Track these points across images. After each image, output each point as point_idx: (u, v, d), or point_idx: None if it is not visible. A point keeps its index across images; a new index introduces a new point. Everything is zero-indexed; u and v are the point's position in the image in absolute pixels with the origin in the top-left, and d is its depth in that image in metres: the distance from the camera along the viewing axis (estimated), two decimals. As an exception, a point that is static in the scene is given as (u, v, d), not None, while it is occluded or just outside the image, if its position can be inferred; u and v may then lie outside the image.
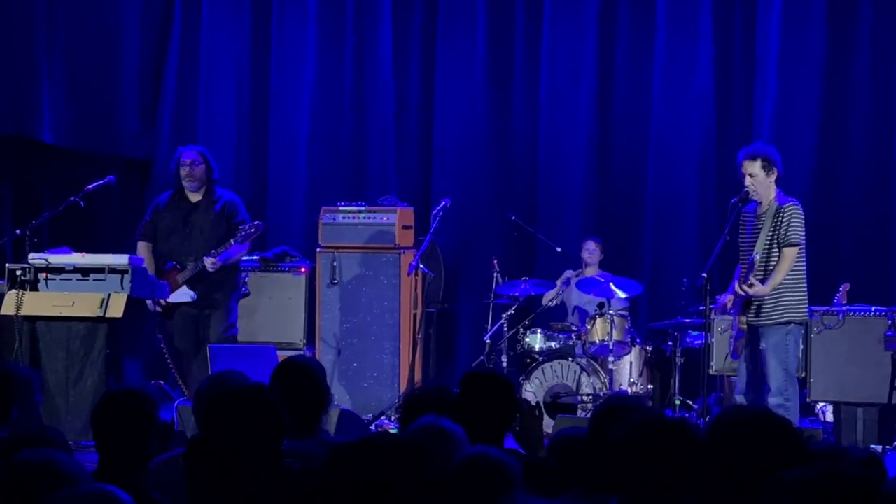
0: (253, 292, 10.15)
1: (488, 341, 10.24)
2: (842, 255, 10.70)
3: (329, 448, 2.94)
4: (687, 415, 9.51)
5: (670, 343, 10.03)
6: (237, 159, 11.88)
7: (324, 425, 4.78)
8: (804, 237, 7.99)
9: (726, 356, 8.51)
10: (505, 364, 10.15)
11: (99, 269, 8.43)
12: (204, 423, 3.71)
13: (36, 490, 2.95)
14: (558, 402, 9.78)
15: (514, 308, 10.23)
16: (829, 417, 9.53)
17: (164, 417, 7.41)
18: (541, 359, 10.00)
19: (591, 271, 10.64)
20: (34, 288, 8.45)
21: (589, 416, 8.56)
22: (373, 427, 9.37)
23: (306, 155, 11.79)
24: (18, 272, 8.47)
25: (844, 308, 9.41)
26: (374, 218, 10.43)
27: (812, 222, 9.75)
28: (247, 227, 8.98)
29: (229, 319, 9.13)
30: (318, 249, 10.56)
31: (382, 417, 9.80)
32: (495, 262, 10.55)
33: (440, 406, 4.16)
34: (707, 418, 8.07)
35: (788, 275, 7.88)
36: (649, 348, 10.19)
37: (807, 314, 8.12)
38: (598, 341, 9.93)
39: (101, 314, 8.27)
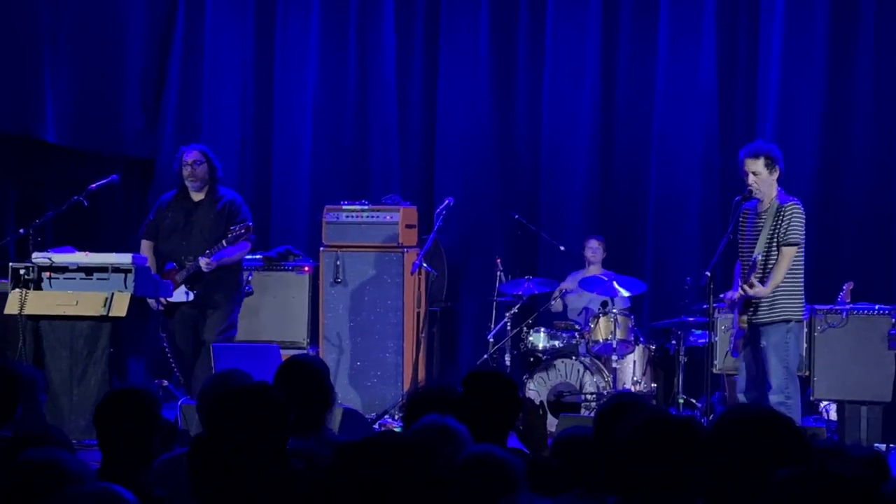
0: (256, 291, 10.15)
1: (491, 340, 10.25)
2: (845, 254, 10.69)
3: (334, 447, 2.94)
4: (691, 413, 9.51)
5: (674, 342, 10.03)
6: (241, 158, 11.88)
7: (328, 424, 4.78)
8: (804, 237, 7.98)
9: (726, 354, 8.51)
10: (508, 363, 10.15)
11: (102, 269, 8.44)
12: (208, 422, 3.71)
13: (40, 489, 2.95)
14: (562, 401, 9.78)
15: (517, 307, 10.23)
16: (833, 416, 9.53)
17: (168, 416, 7.43)
18: (544, 357, 10.00)
19: (594, 270, 10.64)
20: (38, 287, 8.46)
21: (593, 414, 8.59)
22: (376, 426, 9.37)
23: (310, 154, 11.79)
24: (22, 271, 8.47)
25: (848, 306, 9.40)
26: (378, 217, 10.43)
27: (815, 221, 9.77)
28: (236, 229, 8.93)
29: (227, 321, 9.07)
30: (321, 248, 10.56)
31: (386, 416, 9.80)
32: (498, 260, 10.55)
33: (443, 405, 4.16)
34: (710, 417, 8.07)
35: (787, 273, 7.88)
36: (653, 347, 10.19)
37: (803, 313, 8.12)
38: (601, 340, 9.93)
39: (105, 313, 8.27)
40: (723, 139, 11.03)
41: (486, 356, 10.21)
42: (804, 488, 2.53)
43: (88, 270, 8.47)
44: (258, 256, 10.48)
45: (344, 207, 10.54)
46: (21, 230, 8.99)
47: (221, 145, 10.88)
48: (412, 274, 10.09)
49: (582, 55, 11.37)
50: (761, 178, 7.93)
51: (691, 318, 9.95)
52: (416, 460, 2.84)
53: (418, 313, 10.22)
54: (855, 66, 10.83)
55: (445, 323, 11.19)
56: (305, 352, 9.91)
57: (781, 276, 7.86)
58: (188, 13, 11.96)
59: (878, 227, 10.73)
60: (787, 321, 7.89)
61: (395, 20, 11.74)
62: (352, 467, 2.82)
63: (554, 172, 11.44)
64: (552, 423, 8.31)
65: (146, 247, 9.21)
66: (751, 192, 7.98)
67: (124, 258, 8.50)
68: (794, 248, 7.90)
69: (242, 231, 8.95)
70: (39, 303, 8.39)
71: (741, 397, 8.02)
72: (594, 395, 9.65)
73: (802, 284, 8.03)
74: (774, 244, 7.90)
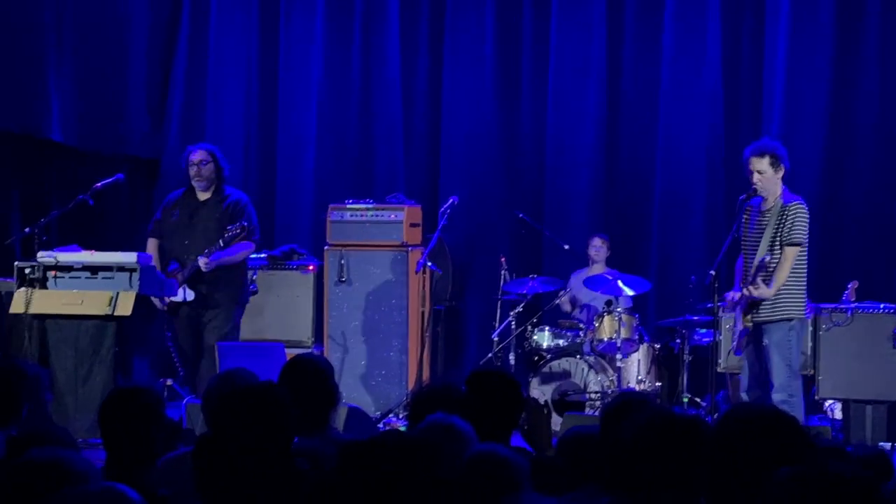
0: (261, 290, 10.15)
1: (496, 339, 10.24)
2: (850, 253, 10.69)
3: (339, 446, 2.95)
4: (696, 411, 9.51)
5: (678, 340, 10.03)
6: (245, 158, 11.88)
7: (333, 423, 4.78)
8: (807, 236, 7.98)
9: (730, 352, 8.52)
10: (513, 362, 10.15)
11: (108, 267, 8.44)
12: (213, 421, 3.71)
13: (45, 488, 2.96)
14: (566, 400, 9.78)
15: (521, 305, 10.22)
16: (838, 415, 9.52)
17: (173, 416, 7.44)
18: (548, 356, 10.00)
19: (599, 268, 10.64)
20: (43, 286, 8.46)
21: (597, 413, 8.59)
22: (381, 425, 9.37)
23: (314, 153, 11.80)
24: (27, 270, 8.47)
25: (853, 305, 9.39)
26: (382, 216, 10.43)
27: (820, 220, 9.76)
28: (232, 229, 8.88)
29: (230, 325, 9.01)
30: (325, 247, 10.56)
31: (391, 415, 9.81)
32: (503, 259, 10.55)
33: (448, 404, 4.16)
34: (715, 416, 8.07)
35: (790, 272, 7.88)
36: (657, 346, 10.19)
37: (806, 312, 8.12)
38: (605, 339, 9.92)
39: (110, 312, 8.27)
40: (727, 138, 11.02)
41: (490, 355, 10.20)
42: (804, 488, 2.54)
43: (94, 269, 8.47)
44: (262, 255, 10.47)
45: (348, 206, 10.53)
46: (27, 229, 9.00)
47: (226, 144, 10.85)
48: (416, 273, 10.09)
49: (587, 54, 11.37)
50: (766, 176, 7.93)
51: (696, 317, 9.95)
52: (421, 459, 2.84)
53: (423, 312, 10.22)
54: (860, 66, 10.82)
55: (450, 322, 11.19)
56: (310, 351, 9.91)
57: (785, 275, 7.86)
58: (193, 13, 11.97)
59: (883, 227, 10.71)
60: (790, 320, 7.89)
61: (399, 19, 11.74)
62: (357, 466, 2.82)
63: (558, 171, 11.44)
64: (556, 422, 8.31)
65: (152, 245, 9.20)
66: (755, 190, 7.98)
67: (129, 257, 8.49)
68: (797, 248, 7.90)
69: (238, 231, 8.86)
70: (45, 302, 8.39)
71: (744, 396, 8.02)
72: (598, 394, 9.65)
73: (805, 283, 8.02)
74: (777, 244, 7.90)
